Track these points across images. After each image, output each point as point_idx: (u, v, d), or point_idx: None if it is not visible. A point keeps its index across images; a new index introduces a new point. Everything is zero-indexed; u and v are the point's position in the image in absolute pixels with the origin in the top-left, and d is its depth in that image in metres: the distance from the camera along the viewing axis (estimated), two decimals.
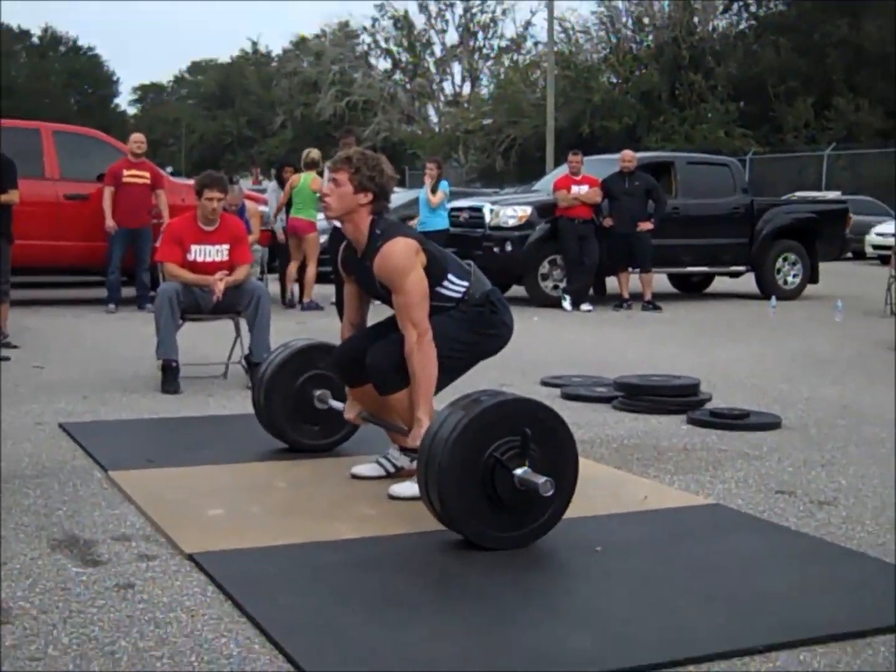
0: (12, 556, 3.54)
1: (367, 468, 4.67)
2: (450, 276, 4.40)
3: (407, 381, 4.28)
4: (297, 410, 5.06)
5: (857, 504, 4.36)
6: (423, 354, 4.22)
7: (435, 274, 4.35)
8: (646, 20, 39.86)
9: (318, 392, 5.02)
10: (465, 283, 4.44)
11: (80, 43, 73.18)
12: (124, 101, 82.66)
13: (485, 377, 6.81)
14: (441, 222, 12.50)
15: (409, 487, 4.23)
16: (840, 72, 35.25)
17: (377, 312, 4.58)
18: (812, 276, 14.63)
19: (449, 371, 4.42)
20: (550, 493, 3.60)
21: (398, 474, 4.57)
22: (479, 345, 4.50)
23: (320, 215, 11.59)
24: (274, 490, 4.50)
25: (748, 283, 14.69)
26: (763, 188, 25.38)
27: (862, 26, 35.22)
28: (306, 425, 5.10)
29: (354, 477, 4.64)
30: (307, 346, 5.15)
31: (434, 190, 12.46)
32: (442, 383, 4.40)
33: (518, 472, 3.63)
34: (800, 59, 36.27)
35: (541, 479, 3.59)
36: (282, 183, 12.68)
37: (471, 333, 4.44)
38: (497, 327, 4.52)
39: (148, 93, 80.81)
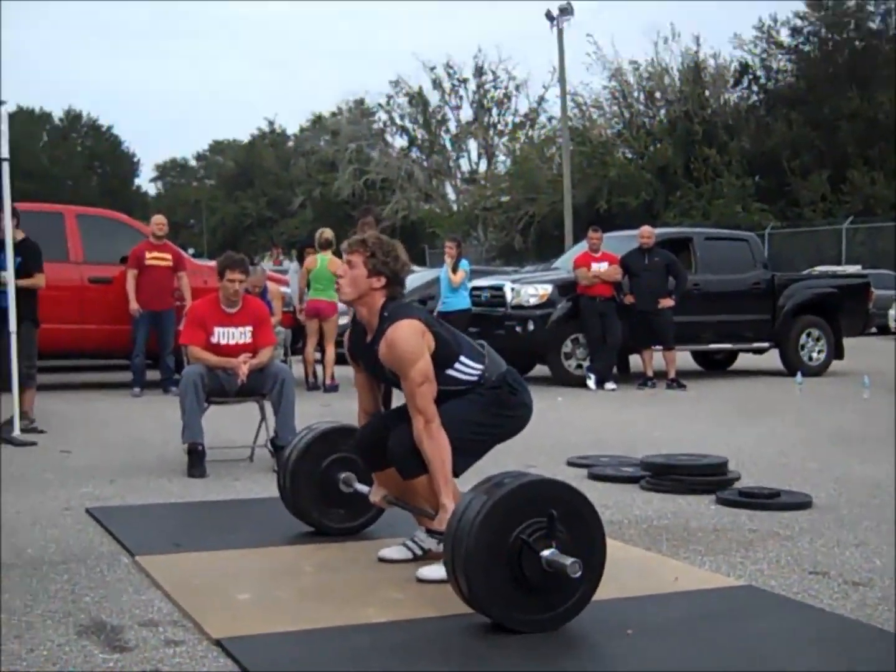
0: (39, 642, 3.53)
1: (394, 551, 4.64)
2: (462, 359, 4.37)
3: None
4: (323, 494, 5.04)
5: (892, 584, 4.29)
6: (431, 440, 4.19)
7: (446, 356, 4.31)
8: (657, 95, 40.23)
9: (342, 475, 5.00)
10: (480, 366, 4.40)
11: (99, 122, 74.19)
12: (145, 181, 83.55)
13: (510, 458, 6.79)
14: (463, 302, 12.56)
15: (437, 570, 4.20)
16: (853, 144, 35.45)
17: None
18: (837, 352, 14.57)
19: (469, 454, 4.40)
20: (579, 574, 3.57)
21: (425, 557, 4.54)
22: (499, 426, 4.47)
23: None
24: (301, 574, 4.48)
25: (772, 359, 14.64)
26: (782, 263, 25.44)
27: (873, 97, 35.46)
28: (332, 509, 5.08)
29: (382, 560, 4.61)
30: (330, 429, 5.14)
31: (455, 269, 12.53)
32: (463, 465, 4.38)
33: (545, 553, 3.60)
34: (812, 133, 36.50)
35: (568, 561, 3.56)
36: (303, 263, 12.73)
37: (489, 416, 4.40)
38: (516, 409, 4.49)
39: (169, 170, 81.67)
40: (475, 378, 4.39)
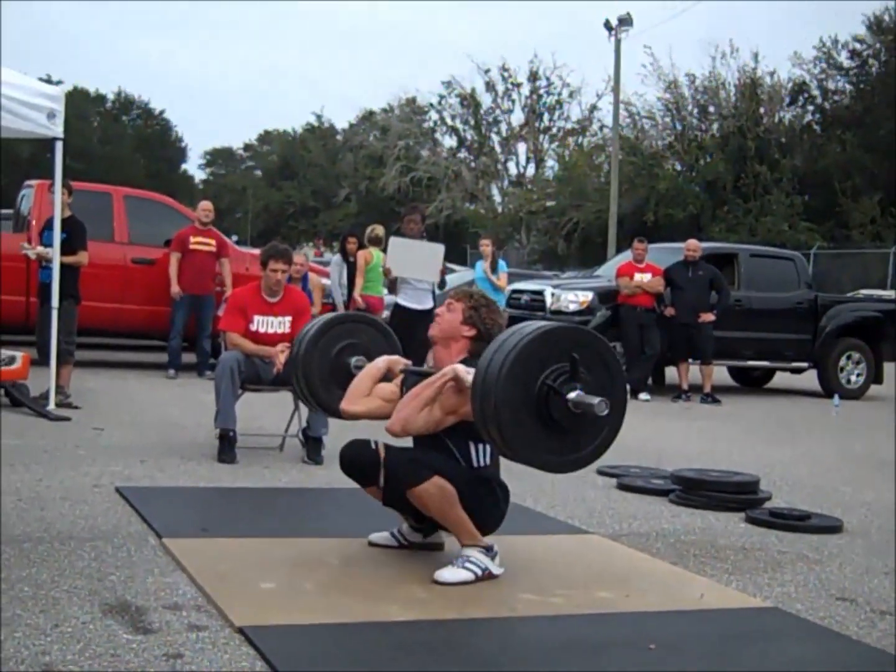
0: (65, 618, 3.55)
1: (382, 537, 4.81)
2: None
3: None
4: (333, 378, 5.01)
5: None
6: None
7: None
8: (711, 109, 40.02)
9: (353, 359, 5.02)
10: (489, 459, 4.41)
11: (150, 106, 74.49)
12: (192, 166, 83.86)
13: None
14: (499, 303, 12.54)
15: (455, 573, 4.24)
16: None
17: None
18: (876, 377, 14.43)
19: None
20: (606, 412, 3.68)
21: (414, 548, 4.72)
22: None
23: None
24: (326, 566, 4.48)
25: (810, 379, 14.53)
26: (827, 284, 25.22)
27: None
28: (340, 391, 4.89)
29: (371, 544, 4.78)
30: (343, 315, 5.29)
31: (494, 267, 12.59)
32: None
33: (571, 396, 3.71)
34: (866, 155, 36.17)
35: (595, 400, 3.68)
36: (345, 255, 12.60)
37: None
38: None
39: (217, 158, 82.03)
40: (478, 464, 4.40)
